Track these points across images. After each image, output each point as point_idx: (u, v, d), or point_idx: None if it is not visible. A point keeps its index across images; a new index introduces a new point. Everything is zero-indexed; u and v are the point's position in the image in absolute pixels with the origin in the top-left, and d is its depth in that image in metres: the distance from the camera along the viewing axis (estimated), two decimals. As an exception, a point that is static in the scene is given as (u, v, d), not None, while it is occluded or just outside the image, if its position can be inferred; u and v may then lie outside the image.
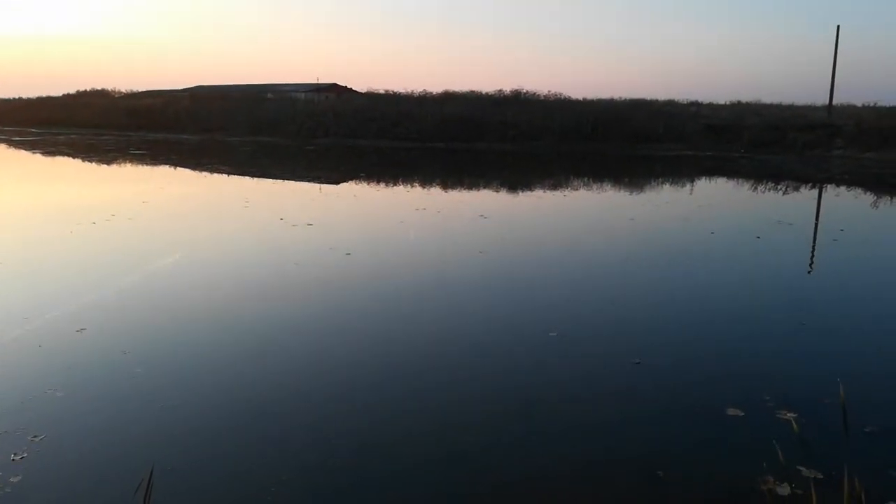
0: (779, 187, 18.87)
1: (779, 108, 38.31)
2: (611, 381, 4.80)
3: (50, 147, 30.79)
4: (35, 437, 3.84)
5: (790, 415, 4.20)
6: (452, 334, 5.81)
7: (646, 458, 3.74)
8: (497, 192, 17.49)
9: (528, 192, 17.44)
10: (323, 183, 18.93)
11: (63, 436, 3.89)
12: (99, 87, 55.46)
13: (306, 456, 3.73)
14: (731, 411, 4.27)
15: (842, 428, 4.03)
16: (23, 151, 28.79)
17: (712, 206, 14.96)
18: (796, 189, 18.84)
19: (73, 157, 26.51)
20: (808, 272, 8.42)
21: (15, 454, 3.65)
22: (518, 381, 4.80)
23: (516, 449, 3.84)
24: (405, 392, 4.60)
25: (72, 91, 55.76)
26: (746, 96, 46.87)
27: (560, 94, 38.91)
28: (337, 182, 19.26)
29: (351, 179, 20.24)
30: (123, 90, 55.15)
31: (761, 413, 4.25)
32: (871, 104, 34.52)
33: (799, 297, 7.30)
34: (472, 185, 19.23)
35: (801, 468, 3.55)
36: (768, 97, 52.78)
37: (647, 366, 5.06)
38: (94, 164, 23.84)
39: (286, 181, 19.63)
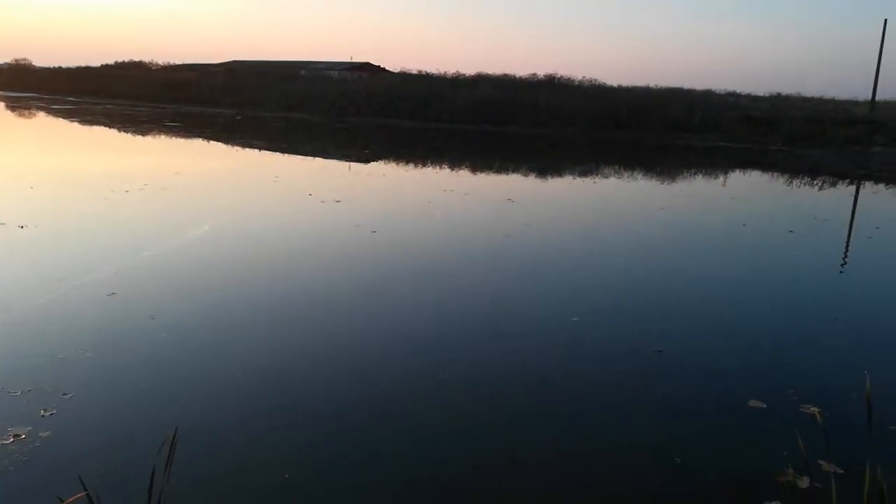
0: (815, 182, 18.48)
1: (820, 101, 37.38)
2: (632, 369, 4.77)
3: (87, 116, 31.30)
4: (65, 394, 3.95)
5: (813, 408, 4.14)
6: (473, 315, 5.81)
7: (664, 445, 3.72)
8: (526, 176, 17.38)
9: (558, 178, 17.30)
10: (352, 161, 18.99)
11: (90, 395, 3.99)
12: (136, 59, 56.20)
13: (325, 424, 3.78)
14: (752, 403, 4.22)
15: (865, 423, 3.96)
16: (61, 120, 29.32)
17: (746, 198, 14.70)
18: (833, 185, 18.42)
19: (110, 126, 26.93)
20: (841, 268, 8.25)
21: (45, 410, 3.75)
22: (538, 364, 4.79)
23: (535, 432, 3.84)
24: (425, 369, 4.62)
25: (110, 62, 56.62)
26: (787, 89, 45.93)
27: (595, 81, 38.45)
28: (367, 161, 19.30)
29: (380, 159, 20.27)
30: (160, 62, 55.81)
31: (784, 406, 4.20)
32: (916, 100, 33.52)
33: (829, 292, 7.17)
34: (501, 168, 19.13)
35: (822, 462, 3.50)
36: (809, 91, 51.55)
37: (669, 354, 5.01)
38: (129, 134, 24.20)
39: (316, 158, 19.72)
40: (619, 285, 7.00)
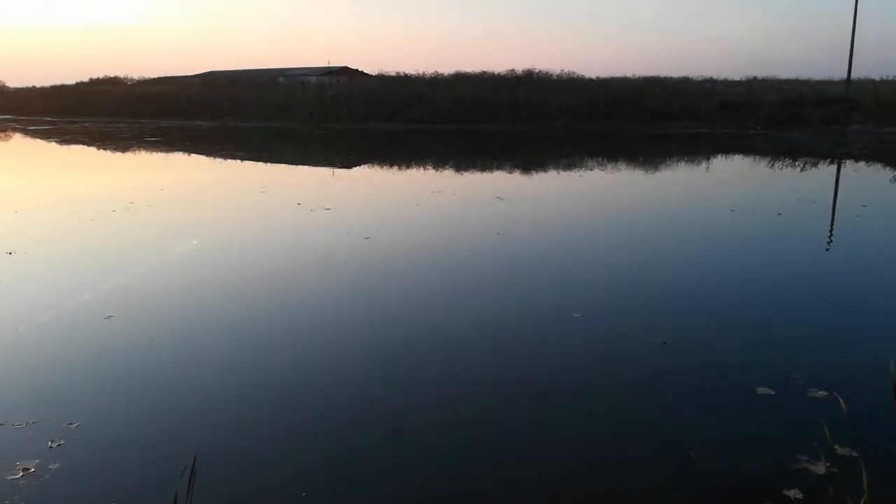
0: (796, 164, 18.65)
1: (795, 83, 37.73)
2: (638, 362, 4.78)
3: (66, 135, 30.95)
4: (70, 424, 3.89)
5: (821, 393, 4.17)
6: (474, 317, 5.80)
7: (677, 438, 3.72)
8: (512, 173, 17.41)
9: (544, 173, 17.34)
10: (337, 167, 18.93)
11: (97, 423, 3.93)
12: (112, 75, 55.60)
13: (338, 439, 3.75)
14: (761, 390, 4.24)
15: (876, 405, 3.99)
16: (39, 140, 28.97)
17: (731, 183, 14.82)
18: (814, 165, 18.61)
19: (89, 145, 26.65)
20: (826, 248, 8.33)
21: (52, 441, 3.69)
22: (543, 362, 4.79)
23: (543, 429, 3.84)
24: (430, 375, 4.61)
25: (85, 79, 55.94)
26: (762, 72, 46.25)
27: (573, 73, 38.52)
28: (351, 166, 19.25)
29: (365, 163, 20.22)
30: (136, 77, 55.28)
31: (792, 392, 4.23)
32: (890, 78, 33.93)
33: (825, 273, 7.23)
34: (486, 166, 19.14)
35: (836, 446, 3.52)
36: (784, 72, 51.98)
37: (673, 346, 5.03)
38: (110, 151, 23.96)
39: (301, 166, 19.63)
40: (617, 278, 7.02)
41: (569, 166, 18.59)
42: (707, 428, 3.86)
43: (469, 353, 4.98)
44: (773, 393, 4.21)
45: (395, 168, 18.46)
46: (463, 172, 17.42)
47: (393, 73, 41.92)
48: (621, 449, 3.65)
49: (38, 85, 57.99)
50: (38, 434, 3.77)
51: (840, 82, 35.00)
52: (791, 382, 4.35)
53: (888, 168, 17.69)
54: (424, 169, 18.21)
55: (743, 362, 4.76)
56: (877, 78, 35.56)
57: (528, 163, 19.76)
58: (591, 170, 17.65)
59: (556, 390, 4.36)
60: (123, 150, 24.23)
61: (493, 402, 4.19)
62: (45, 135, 31.61)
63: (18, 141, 29.52)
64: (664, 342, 5.08)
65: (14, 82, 61.20)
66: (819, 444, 3.48)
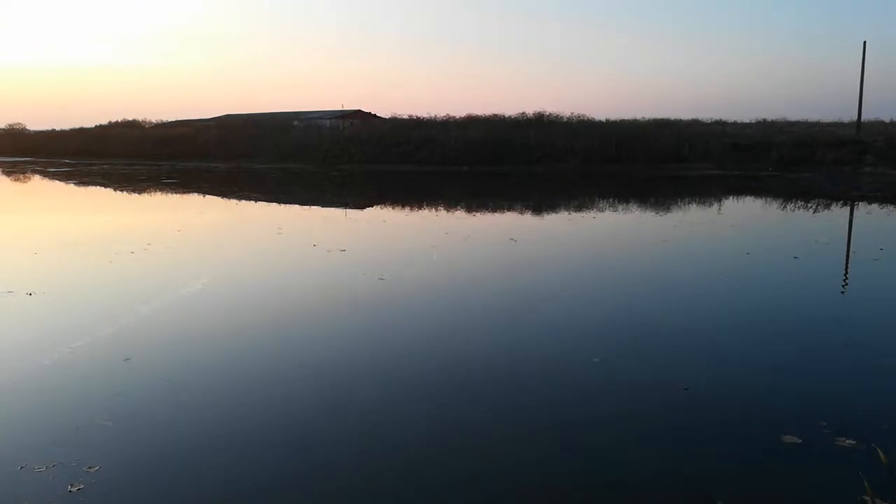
0: (809, 206, 18.62)
1: (806, 125, 37.93)
2: (662, 409, 4.72)
3: (85, 177, 31.47)
4: (90, 467, 3.88)
5: (849, 441, 4.10)
6: (492, 359, 5.77)
7: (703, 489, 3.66)
8: (524, 214, 17.48)
9: (555, 215, 17.40)
10: (352, 209, 19.09)
11: (117, 465, 3.92)
12: (130, 118, 56.62)
13: (359, 483, 3.72)
14: (787, 438, 4.18)
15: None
16: (58, 182, 29.48)
17: (745, 226, 14.80)
18: (828, 207, 18.57)
19: (108, 186, 27.07)
20: (843, 292, 8.29)
21: (72, 485, 3.68)
22: (564, 409, 4.75)
23: (564, 476, 3.79)
24: (449, 417, 4.57)
25: (104, 122, 57.04)
26: (772, 114, 46.54)
27: (583, 116, 38.95)
28: (365, 207, 19.41)
29: (378, 204, 20.39)
30: (154, 120, 56.28)
31: (819, 440, 4.15)
32: (901, 120, 34.05)
33: (846, 318, 7.16)
34: (498, 208, 19.24)
35: (866, 498, 3.45)
36: (795, 114, 52.15)
37: (696, 391, 4.98)
38: (127, 193, 24.32)
39: (315, 207, 19.82)
40: (635, 322, 6.98)
41: (581, 208, 18.66)
42: (733, 475, 3.79)
43: (486, 397, 4.94)
44: (799, 441, 4.14)
45: (409, 209, 18.60)
46: (475, 213, 17.52)
47: (405, 116, 42.56)
48: (646, 499, 3.59)
49: (57, 128, 59.23)
50: (58, 477, 3.76)
51: (850, 124, 35.17)
52: (818, 430, 4.28)
53: (902, 210, 17.62)
54: (437, 210, 18.33)
55: (767, 409, 4.69)
56: (887, 119, 35.75)
57: (541, 204, 19.85)
58: (603, 211, 17.71)
59: (575, 437, 4.31)
60: (141, 191, 24.59)
61: (510, 448, 4.14)
62: (64, 177, 32.17)
63: (38, 183, 30.05)
64: (686, 388, 5.02)
65: (34, 125, 62.50)
66: (855, 496, 3.41)
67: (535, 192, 24.80)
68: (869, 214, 17.09)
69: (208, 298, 8.00)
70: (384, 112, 50.92)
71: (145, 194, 23.71)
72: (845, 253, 11.14)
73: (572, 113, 39.33)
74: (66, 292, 8.31)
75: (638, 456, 4.05)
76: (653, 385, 5.15)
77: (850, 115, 35.54)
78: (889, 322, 7.00)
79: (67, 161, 46.13)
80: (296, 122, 47.83)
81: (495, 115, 39.69)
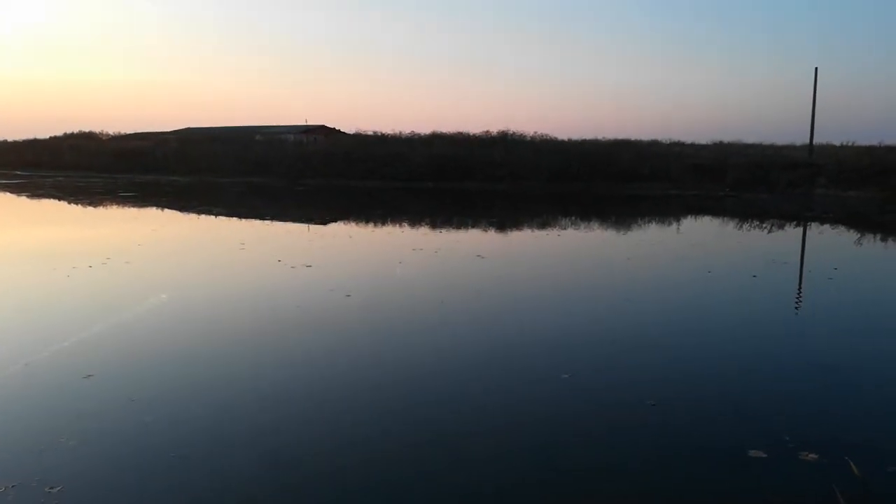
0: (765, 226, 19.14)
1: (760, 147, 39.08)
2: (629, 425, 4.78)
3: (38, 190, 30.62)
4: (51, 488, 3.76)
5: (812, 455, 4.21)
6: (460, 379, 5.77)
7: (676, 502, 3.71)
8: (491, 232, 17.59)
9: (521, 232, 17.55)
10: (317, 224, 18.96)
11: (80, 487, 3.81)
12: (87, 130, 55.49)
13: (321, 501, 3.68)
14: (753, 453, 4.27)
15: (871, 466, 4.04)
16: (10, 195, 28.62)
17: (705, 244, 15.13)
18: (782, 227, 19.12)
19: (63, 199, 26.39)
20: (796, 309, 8.54)
21: (33, 507, 3.56)
22: (531, 425, 4.77)
23: (531, 494, 3.80)
24: (417, 438, 4.55)
25: (59, 133, 55.75)
26: (727, 136, 47.84)
27: (546, 135, 39.47)
28: (330, 223, 19.29)
29: (344, 220, 20.28)
30: (111, 132, 55.24)
31: (783, 454, 4.25)
32: (850, 143, 35.32)
33: (806, 334, 7.37)
34: (465, 224, 19.32)
35: (831, 510, 3.54)
36: (749, 137, 53.72)
37: (663, 407, 5.05)
38: (84, 206, 23.73)
39: (279, 222, 19.61)
40: (601, 339, 7.06)
41: (545, 225, 18.85)
42: (705, 491, 3.85)
43: (451, 415, 4.94)
44: (764, 455, 4.24)
45: (375, 225, 18.54)
46: (442, 230, 17.55)
47: (370, 132, 42.55)
48: (619, 513, 3.62)
49: (9, 138, 57.62)
50: (19, 498, 3.64)
51: (802, 147, 36.38)
52: (782, 446, 4.38)
53: (852, 231, 18.23)
54: (404, 226, 18.31)
55: (732, 424, 4.79)
56: (837, 143, 37.03)
57: (506, 221, 20.01)
58: (566, 229, 17.92)
59: (542, 452, 4.33)
60: (98, 205, 24.03)
61: (475, 466, 4.14)
62: (16, 189, 31.26)
63: (-11, 194, 29.12)
64: (653, 403, 5.10)
65: (-16, 136, 60.64)
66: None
67: (499, 209, 24.99)
68: (821, 234, 17.64)
69: (170, 314, 7.84)
70: (348, 128, 51.01)
71: (103, 207, 23.18)
72: (800, 272, 11.47)
73: (536, 132, 39.88)
74: (20, 307, 8.06)
75: (603, 470, 4.09)
76: (621, 400, 5.21)
77: (801, 139, 36.82)
78: (845, 339, 7.21)
79: (19, 173, 44.89)
80: (258, 137, 47.45)
81: (460, 133, 40.00)
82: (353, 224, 19.09)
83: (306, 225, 18.84)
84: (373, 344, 6.76)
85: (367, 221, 19.44)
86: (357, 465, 4.13)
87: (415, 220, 19.79)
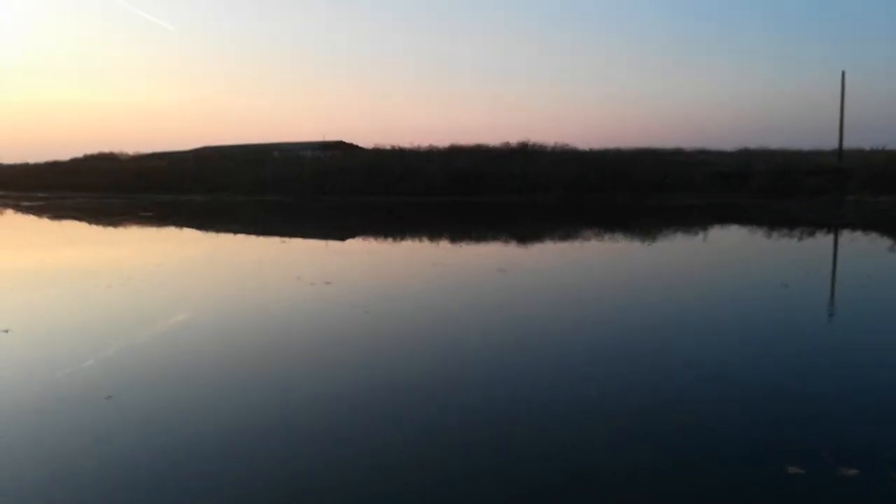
0: (794, 234, 18.70)
1: (786, 153, 38.37)
2: (663, 442, 4.53)
3: (59, 211, 30.98)
4: None
5: (852, 471, 3.94)
6: (482, 395, 5.55)
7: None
8: (511, 245, 17.37)
9: (543, 245, 17.31)
10: (335, 240, 18.88)
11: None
12: (106, 151, 55.97)
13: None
14: (791, 469, 4.00)
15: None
16: (32, 216, 28.98)
17: (731, 254, 14.77)
18: (812, 235, 18.66)
19: (83, 220, 26.61)
20: (830, 319, 8.28)
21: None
22: (560, 445, 4.53)
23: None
24: (437, 461, 4.33)
25: (79, 155, 56.38)
26: (753, 143, 47.00)
27: (566, 146, 39.20)
28: (349, 239, 19.20)
29: (362, 236, 20.19)
30: (130, 153, 55.66)
31: (822, 471, 3.98)
32: (880, 148, 34.59)
33: (841, 345, 7.05)
34: (484, 238, 19.12)
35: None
36: (775, 143, 52.63)
37: (701, 427, 4.79)
38: (103, 227, 23.91)
39: (298, 239, 19.57)
40: (631, 354, 6.79)
41: (567, 237, 18.60)
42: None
43: (475, 434, 4.71)
44: (803, 472, 3.97)
45: (393, 241, 18.42)
46: (462, 245, 17.37)
47: (388, 147, 42.57)
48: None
49: (31, 161, 58.37)
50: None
51: (830, 152, 35.71)
52: (821, 460, 4.11)
53: (885, 237, 17.75)
54: (423, 241, 18.17)
55: (769, 440, 4.52)
56: (867, 148, 36.33)
57: (527, 234, 19.76)
58: (589, 240, 17.64)
59: (572, 476, 4.09)
60: (118, 225, 24.20)
61: (503, 487, 3.91)
62: (37, 210, 31.66)
63: (10, 217, 29.50)
64: (687, 419, 4.84)
65: (7, 158, 61.68)
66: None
67: (520, 222, 24.76)
68: (853, 242, 17.17)
69: (190, 333, 7.72)
70: (366, 143, 51.02)
71: (122, 228, 23.32)
72: (833, 280, 11.10)
73: (556, 143, 39.60)
74: (42, 328, 7.98)
75: (640, 492, 3.84)
76: (651, 418, 4.96)
77: (830, 144, 36.12)
78: (882, 350, 6.89)
79: (40, 194, 45.52)
80: (275, 154, 47.69)
81: (479, 146, 39.88)
82: (372, 240, 18.97)
83: (325, 242, 18.76)
84: (390, 360, 6.56)
85: (386, 237, 19.34)
86: (372, 481, 3.91)
87: (434, 235, 19.63)
